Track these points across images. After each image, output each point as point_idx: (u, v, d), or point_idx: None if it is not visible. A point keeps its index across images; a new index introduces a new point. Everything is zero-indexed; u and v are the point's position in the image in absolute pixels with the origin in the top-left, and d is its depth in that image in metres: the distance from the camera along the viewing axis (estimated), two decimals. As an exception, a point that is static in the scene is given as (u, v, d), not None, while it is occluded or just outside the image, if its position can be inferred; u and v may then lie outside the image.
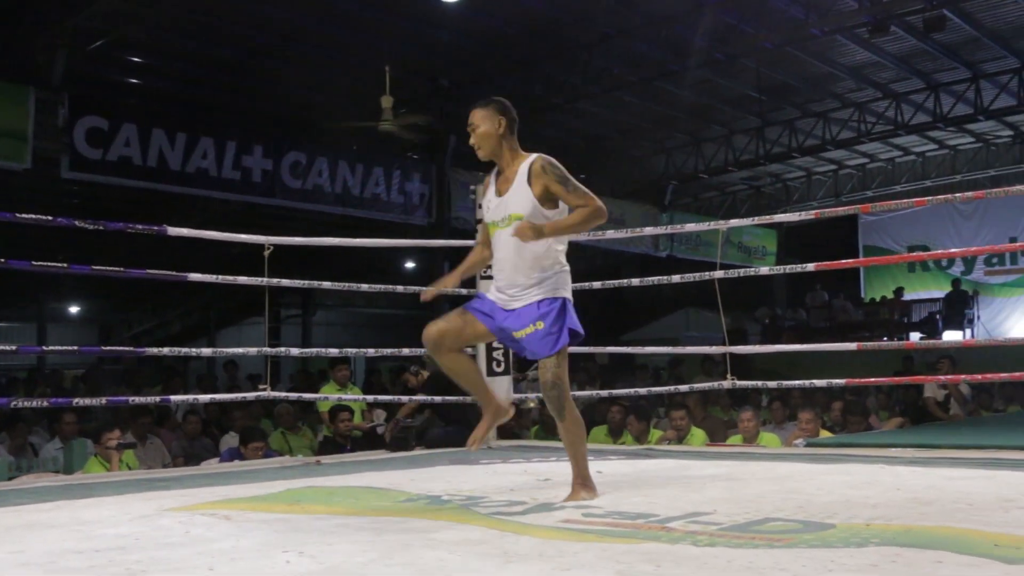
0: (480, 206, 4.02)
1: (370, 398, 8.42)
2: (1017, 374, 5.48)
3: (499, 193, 3.77)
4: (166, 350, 7.90)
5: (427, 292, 4.01)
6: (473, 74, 14.00)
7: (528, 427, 9.30)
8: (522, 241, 3.63)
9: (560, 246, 3.77)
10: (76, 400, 6.67)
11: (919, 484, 3.83)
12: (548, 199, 3.67)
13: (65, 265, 5.47)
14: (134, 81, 13.76)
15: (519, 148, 3.81)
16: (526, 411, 9.19)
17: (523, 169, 3.71)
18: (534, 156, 3.73)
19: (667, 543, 2.68)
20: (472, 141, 3.81)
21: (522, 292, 3.72)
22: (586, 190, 3.65)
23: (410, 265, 22.84)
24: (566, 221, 3.67)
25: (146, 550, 2.74)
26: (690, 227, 8.20)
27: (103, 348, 7.93)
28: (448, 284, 3.97)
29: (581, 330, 3.72)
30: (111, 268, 5.63)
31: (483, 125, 3.77)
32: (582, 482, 3.69)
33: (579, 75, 14.08)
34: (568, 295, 3.76)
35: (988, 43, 14.17)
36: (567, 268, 3.80)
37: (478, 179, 7.61)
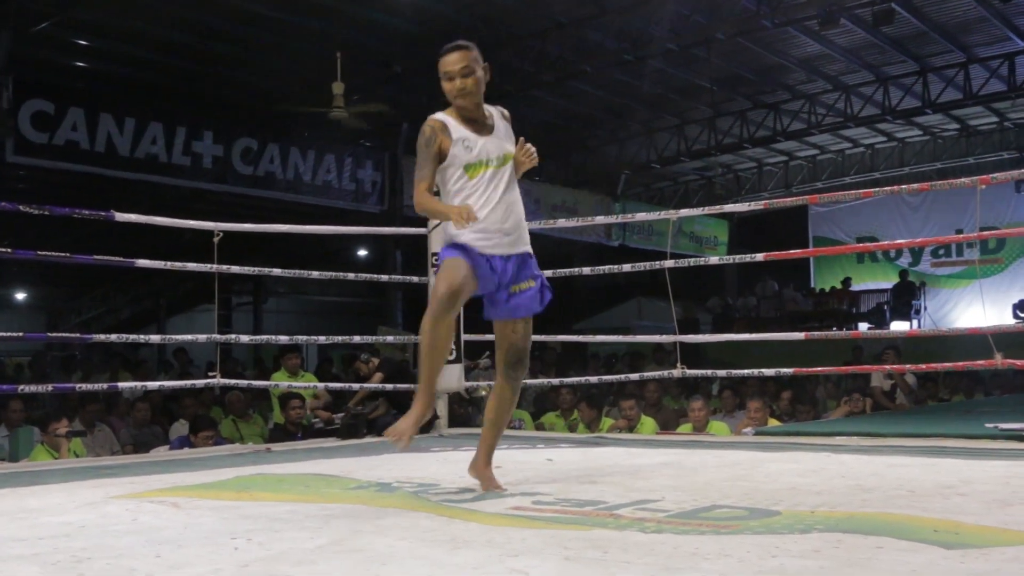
0: (453, 144, 3.47)
1: (322, 385, 8.38)
2: (961, 364, 5.59)
3: (480, 134, 3.51)
4: (114, 337, 7.81)
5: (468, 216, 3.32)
6: (426, 61, 13.88)
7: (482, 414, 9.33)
8: (532, 165, 3.60)
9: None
10: (22, 387, 6.56)
11: (863, 471, 3.90)
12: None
13: (9, 250, 5.38)
14: (81, 64, 13.51)
15: None
16: (479, 399, 9.21)
17: (496, 113, 3.59)
18: (495, 108, 3.65)
19: (615, 530, 2.70)
20: (460, 86, 3.47)
21: (519, 238, 3.54)
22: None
23: (362, 253, 22.74)
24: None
25: (92, 537, 2.71)
26: (641, 216, 8.23)
27: (49, 335, 7.79)
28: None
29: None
30: (57, 254, 5.55)
31: (476, 70, 3.50)
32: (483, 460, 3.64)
33: (532, 63, 14.08)
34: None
35: (935, 37, 14.40)
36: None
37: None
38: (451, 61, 3.49)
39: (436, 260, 6.44)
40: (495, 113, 3.61)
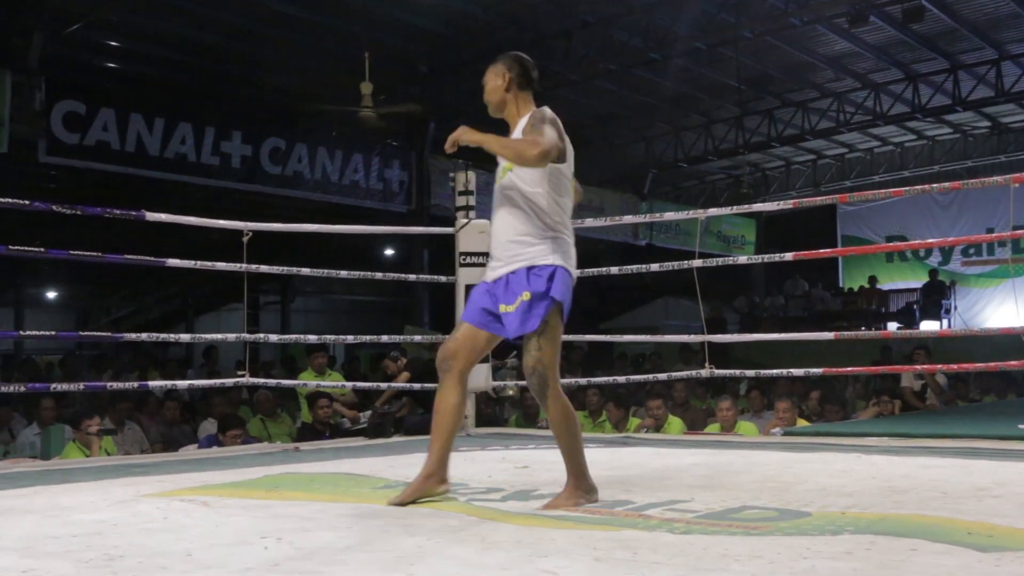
0: None
1: (350, 384, 8.41)
2: (992, 364, 5.53)
3: None
4: (144, 336, 7.88)
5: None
6: (452, 60, 13.94)
7: (509, 414, 9.34)
8: (447, 149, 3.46)
9: (553, 204, 3.35)
10: (54, 385, 6.63)
11: (895, 473, 3.87)
12: None
13: (43, 250, 5.43)
14: (112, 65, 13.64)
15: (531, 102, 3.53)
16: (506, 398, 9.22)
17: (523, 121, 3.43)
18: (533, 112, 3.44)
19: (644, 530, 2.69)
20: (484, 99, 3.56)
21: (512, 256, 3.33)
22: (543, 133, 3.28)
23: (389, 252, 22.78)
24: (493, 138, 3.36)
25: (124, 535, 2.73)
26: (669, 216, 8.21)
27: (81, 333, 7.85)
28: None
29: (568, 302, 3.32)
30: (89, 253, 5.61)
31: (490, 81, 3.54)
32: (575, 483, 3.26)
33: (559, 62, 14.05)
34: (563, 263, 3.33)
35: (966, 34, 14.24)
36: (564, 233, 3.38)
37: (457, 166, 7.60)
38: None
39: (463, 260, 6.44)
40: (523, 120, 3.44)
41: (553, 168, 3.35)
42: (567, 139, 3.44)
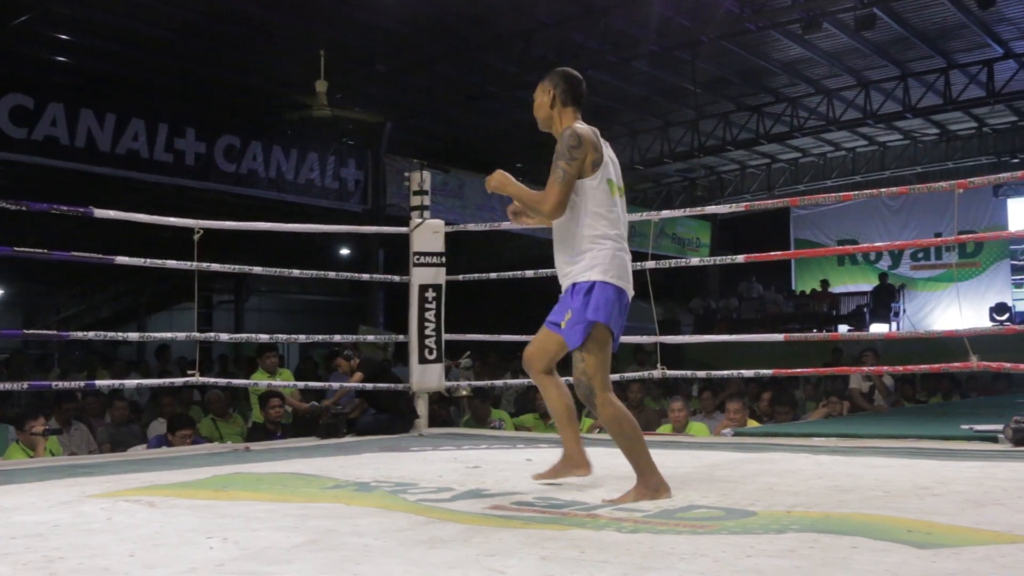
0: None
1: (300, 384, 8.35)
2: (938, 366, 5.62)
3: None
4: (91, 334, 7.75)
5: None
6: (410, 60, 13.91)
7: (464, 413, 9.34)
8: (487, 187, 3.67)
9: (588, 218, 3.45)
10: (-3, 384, 6.50)
11: (840, 472, 3.93)
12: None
13: (-14, 246, 5.33)
14: (61, 59, 13.40)
15: (575, 116, 3.68)
16: (459, 398, 9.22)
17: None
18: (572, 126, 3.56)
19: (592, 530, 2.71)
20: (534, 114, 3.77)
21: (563, 275, 3.52)
22: (560, 180, 3.41)
23: (344, 251, 22.70)
24: (524, 191, 3.60)
25: (65, 536, 2.69)
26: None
27: (25, 332, 7.67)
28: None
29: (606, 318, 3.37)
30: (35, 250, 5.50)
31: (537, 98, 3.74)
32: (640, 481, 3.32)
33: (516, 63, 14.07)
34: (602, 277, 3.40)
35: (916, 43, 14.48)
36: (603, 244, 3.44)
37: (413, 166, 7.59)
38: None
39: (417, 260, 6.43)
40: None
41: (580, 184, 3.47)
42: (600, 149, 3.57)
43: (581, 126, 3.56)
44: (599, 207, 3.48)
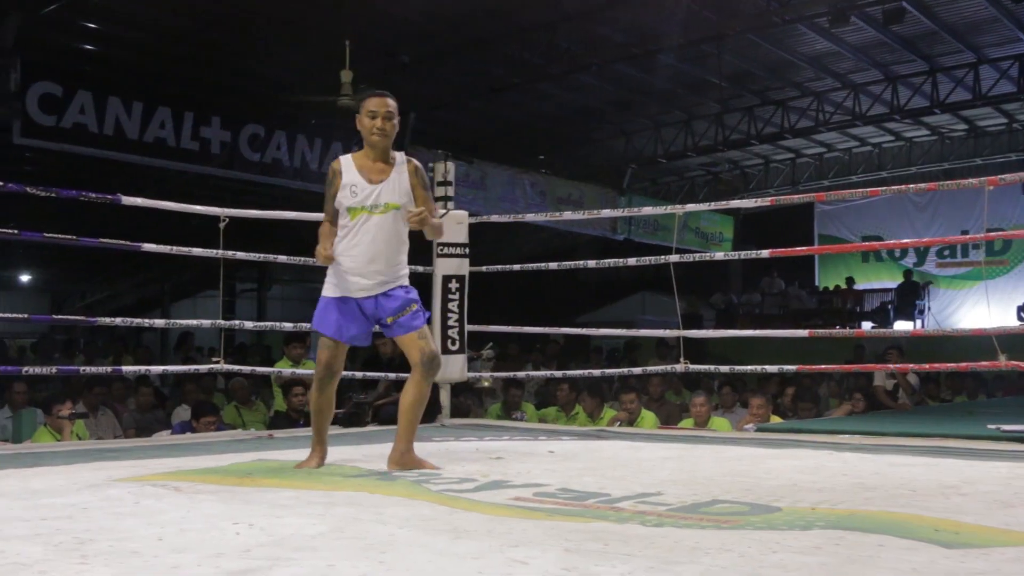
0: (341, 188, 3.98)
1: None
2: (963, 364, 5.58)
3: (371, 181, 3.93)
4: (118, 320, 7.81)
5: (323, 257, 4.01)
6: (433, 52, 13.90)
7: (487, 404, 9.36)
8: (418, 225, 3.95)
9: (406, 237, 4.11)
10: (25, 369, 6.57)
11: (865, 470, 3.91)
12: (412, 198, 3.99)
13: (16, 231, 5.37)
14: (90, 47, 13.48)
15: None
16: (481, 389, 9.23)
17: (400, 165, 3.99)
18: (403, 155, 4.03)
19: (615, 522, 2.71)
20: (380, 126, 3.94)
21: (389, 278, 3.97)
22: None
23: (368, 242, 22.70)
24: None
25: (94, 519, 2.72)
26: (647, 211, 8.25)
27: (54, 316, 7.76)
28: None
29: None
30: (63, 236, 5.54)
31: (396, 118, 4.00)
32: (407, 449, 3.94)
33: (540, 56, 14.04)
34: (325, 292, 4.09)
35: (946, 37, 14.34)
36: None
37: (437, 156, 7.60)
38: (380, 103, 3.97)
39: (441, 251, 6.45)
40: (404, 165, 4.01)
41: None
42: (332, 185, 4.06)
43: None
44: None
